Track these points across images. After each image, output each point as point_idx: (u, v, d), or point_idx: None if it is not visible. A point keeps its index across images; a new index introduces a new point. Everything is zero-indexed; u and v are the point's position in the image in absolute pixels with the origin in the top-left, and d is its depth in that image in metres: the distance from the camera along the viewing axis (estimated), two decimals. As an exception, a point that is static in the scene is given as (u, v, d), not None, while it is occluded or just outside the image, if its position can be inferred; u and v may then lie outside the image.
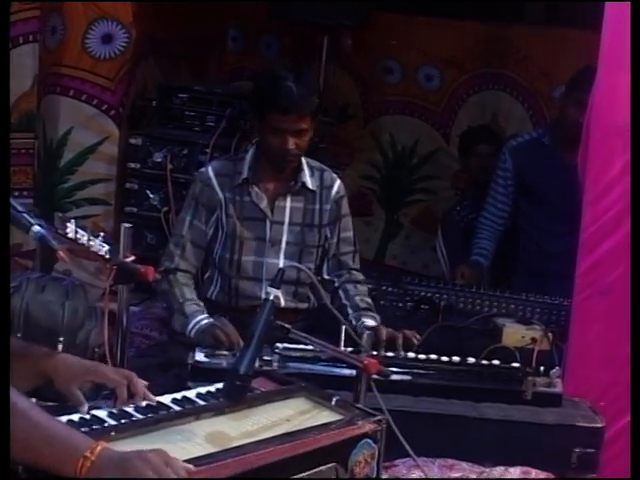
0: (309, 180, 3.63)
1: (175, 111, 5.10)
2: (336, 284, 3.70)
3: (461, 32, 6.09)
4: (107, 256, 2.47)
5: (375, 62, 6.42)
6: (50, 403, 2.45)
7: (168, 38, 5.51)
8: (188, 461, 1.91)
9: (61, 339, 3.61)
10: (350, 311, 3.59)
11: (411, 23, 6.21)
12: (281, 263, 3.58)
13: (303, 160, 3.62)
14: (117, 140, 5.13)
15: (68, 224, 2.34)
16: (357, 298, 3.63)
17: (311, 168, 3.66)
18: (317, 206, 3.65)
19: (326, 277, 3.71)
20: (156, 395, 2.35)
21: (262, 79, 3.59)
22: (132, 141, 4.96)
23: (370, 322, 3.50)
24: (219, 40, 6.55)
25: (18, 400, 1.87)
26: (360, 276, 3.74)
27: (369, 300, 3.66)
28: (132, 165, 4.95)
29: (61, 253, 2.18)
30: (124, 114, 5.16)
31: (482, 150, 5.33)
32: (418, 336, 3.37)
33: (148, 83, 5.35)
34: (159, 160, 4.87)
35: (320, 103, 3.55)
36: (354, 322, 3.52)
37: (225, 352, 3.01)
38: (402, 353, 3.20)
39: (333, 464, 2.10)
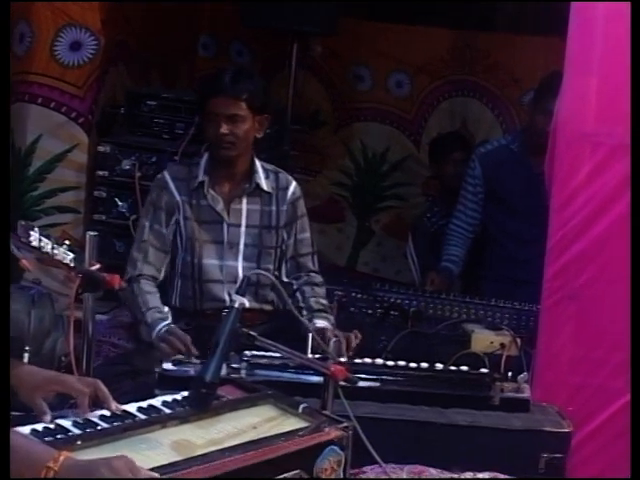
0: (264, 182, 3.65)
1: (144, 118, 5.07)
2: (295, 287, 3.72)
3: (431, 39, 6.10)
4: (72, 264, 2.46)
5: (345, 69, 6.42)
6: (15, 413, 2.43)
7: (138, 45, 5.47)
8: (153, 469, 1.91)
9: (27, 348, 3.58)
10: (305, 313, 3.60)
11: (381, 30, 6.21)
12: (240, 265, 3.61)
13: (257, 162, 3.67)
14: (86, 148, 5.10)
15: (32, 232, 2.32)
16: (312, 300, 3.65)
17: (266, 170, 3.70)
18: (274, 207, 3.67)
19: (285, 280, 3.73)
20: (124, 403, 2.33)
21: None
22: (100, 149, 4.94)
23: (321, 323, 3.52)
24: (190, 47, 6.53)
25: None
26: (318, 278, 3.76)
27: (324, 302, 3.68)
28: (100, 173, 4.93)
29: (24, 262, 2.16)
30: (93, 121, 5.13)
31: (453, 157, 5.33)
32: (359, 335, 3.38)
33: (117, 90, 5.32)
34: (127, 168, 4.85)
35: (263, 95, 3.62)
36: (306, 324, 3.53)
37: (195, 360, 3.00)
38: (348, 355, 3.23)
39: (297, 471, 2.10)
